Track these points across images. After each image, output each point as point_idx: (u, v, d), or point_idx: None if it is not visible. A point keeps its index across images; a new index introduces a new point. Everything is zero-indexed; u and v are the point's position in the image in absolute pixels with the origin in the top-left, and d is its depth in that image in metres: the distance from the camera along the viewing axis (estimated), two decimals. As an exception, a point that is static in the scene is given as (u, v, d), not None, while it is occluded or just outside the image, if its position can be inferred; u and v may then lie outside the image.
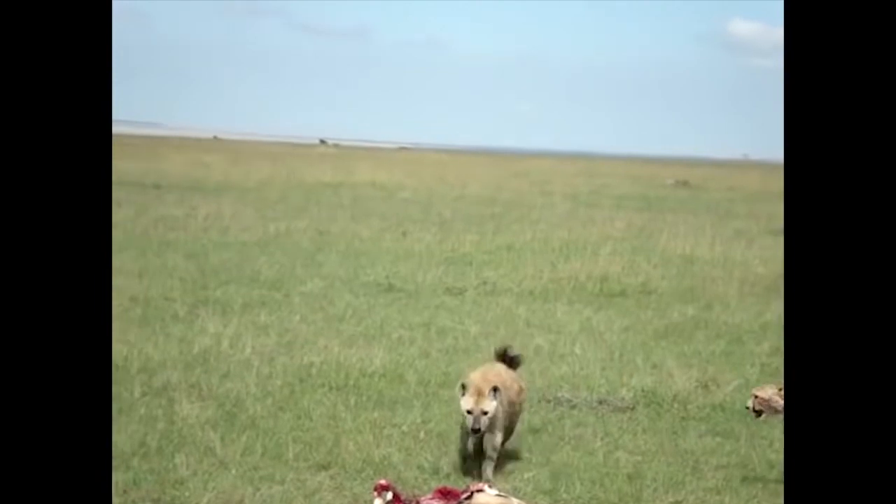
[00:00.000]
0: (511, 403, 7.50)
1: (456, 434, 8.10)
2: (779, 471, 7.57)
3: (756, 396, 7.40)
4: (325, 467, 7.29)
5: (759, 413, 7.39)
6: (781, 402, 7.28)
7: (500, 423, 7.33)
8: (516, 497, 6.61)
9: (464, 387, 7.29)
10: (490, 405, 7.20)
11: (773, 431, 8.61)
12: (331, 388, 9.43)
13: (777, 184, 56.01)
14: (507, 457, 7.66)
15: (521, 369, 8.13)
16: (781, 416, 7.31)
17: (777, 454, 8.01)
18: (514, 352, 8.07)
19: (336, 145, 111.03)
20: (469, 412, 7.21)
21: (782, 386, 7.32)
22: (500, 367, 7.79)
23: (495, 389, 7.25)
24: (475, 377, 7.42)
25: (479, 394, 7.21)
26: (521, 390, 7.76)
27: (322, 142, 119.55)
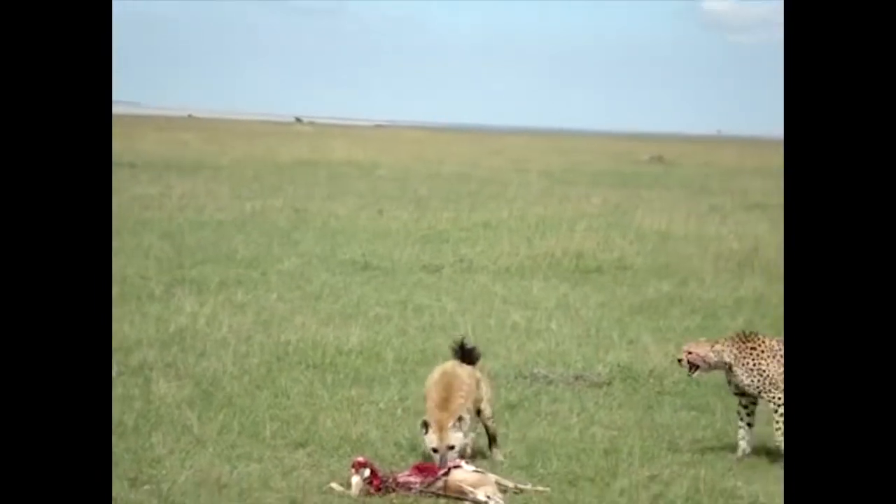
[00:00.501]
0: (475, 401, 7.15)
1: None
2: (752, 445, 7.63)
3: (689, 352, 7.50)
4: (303, 445, 7.31)
5: (693, 368, 7.49)
6: (713, 356, 7.47)
7: (467, 429, 6.93)
8: (493, 473, 6.66)
9: (426, 424, 6.82)
10: (456, 438, 6.77)
11: (748, 405, 8.68)
12: (308, 366, 9.44)
13: (751, 159, 56.27)
14: (482, 434, 7.70)
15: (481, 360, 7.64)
16: (713, 372, 7.49)
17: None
18: (470, 345, 7.56)
19: (312, 123, 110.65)
20: (435, 450, 6.74)
21: (714, 341, 7.60)
22: (458, 369, 7.23)
23: (459, 419, 6.82)
24: (434, 412, 6.86)
25: (442, 429, 6.76)
26: (479, 383, 7.28)
27: (298, 120, 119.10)
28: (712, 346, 7.50)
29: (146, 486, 6.45)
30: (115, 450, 7.00)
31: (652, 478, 6.85)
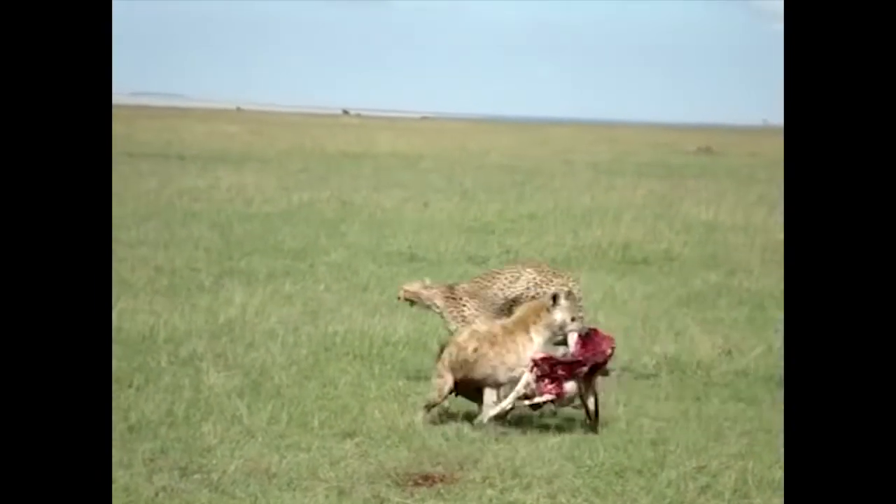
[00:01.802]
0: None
1: (472, 408, 7.99)
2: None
3: (405, 290, 8.93)
4: (351, 435, 7.36)
5: (411, 302, 8.92)
6: (426, 293, 8.87)
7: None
8: None
9: (555, 297, 7.75)
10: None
11: (796, 397, 8.64)
12: (355, 357, 9.50)
13: (801, 149, 55.54)
14: (528, 423, 7.73)
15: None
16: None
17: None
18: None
19: (358, 115, 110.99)
20: (573, 319, 7.70)
21: (428, 282, 9.02)
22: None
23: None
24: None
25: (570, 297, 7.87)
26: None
27: (344, 112, 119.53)
28: (424, 286, 8.94)
29: (196, 476, 6.53)
30: (165, 440, 7.10)
31: (699, 469, 6.82)
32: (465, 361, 7.71)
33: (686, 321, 11.40)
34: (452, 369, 7.73)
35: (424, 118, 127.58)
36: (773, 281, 14.11)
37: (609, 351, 7.66)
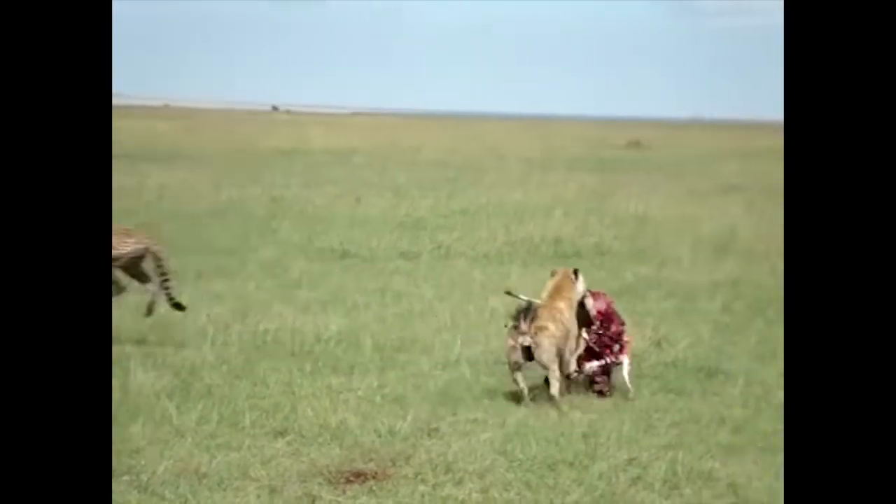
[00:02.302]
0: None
1: (413, 398, 8.17)
2: (730, 427, 7.69)
3: None
4: (282, 433, 7.31)
5: None
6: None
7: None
8: None
9: (577, 271, 8.89)
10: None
11: (725, 388, 8.74)
12: (287, 355, 9.43)
13: (727, 142, 56.38)
14: (465, 420, 7.73)
15: None
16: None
17: (728, 409, 8.13)
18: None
19: (288, 111, 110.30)
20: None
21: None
22: None
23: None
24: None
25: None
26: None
27: (274, 108, 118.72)
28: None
29: (125, 477, 6.44)
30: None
31: (630, 461, 6.88)
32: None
33: (617, 314, 11.46)
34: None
35: (356, 114, 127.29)
36: (702, 273, 14.29)
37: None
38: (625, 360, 8.60)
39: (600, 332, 8.65)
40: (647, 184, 28.43)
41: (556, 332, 8.20)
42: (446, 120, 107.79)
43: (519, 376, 8.15)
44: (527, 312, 8.18)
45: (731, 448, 7.26)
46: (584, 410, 8.06)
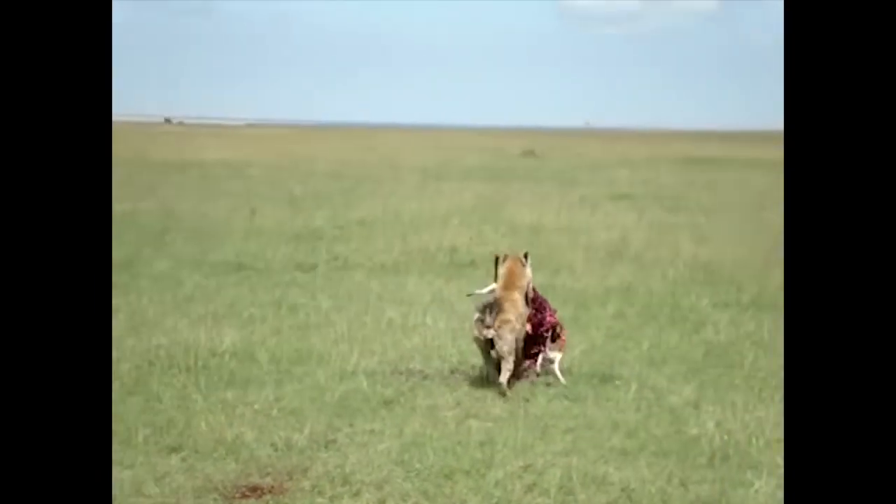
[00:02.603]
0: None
1: (309, 411, 8.16)
2: (624, 431, 7.81)
3: None
4: (176, 449, 7.21)
5: None
6: None
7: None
8: None
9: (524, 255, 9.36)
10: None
11: (618, 393, 8.87)
12: (180, 370, 9.31)
13: (617, 150, 57.26)
14: (362, 431, 7.73)
15: None
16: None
17: (622, 414, 8.25)
18: None
19: (181, 123, 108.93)
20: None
21: None
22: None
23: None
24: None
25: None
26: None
27: (167, 120, 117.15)
28: None
29: (14, 499, 6.29)
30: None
31: (526, 468, 6.94)
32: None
33: (512, 322, 11.57)
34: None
35: (250, 125, 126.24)
36: (595, 279, 14.48)
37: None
38: (558, 356, 9.26)
39: (535, 320, 9.22)
40: (540, 192, 28.77)
41: (517, 325, 8.87)
42: (342, 131, 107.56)
43: (488, 361, 8.96)
44: (492, 307, 8.77)
45: (624, 452, 7.37)
46: (482, 419, 8.12)
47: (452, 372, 9.43)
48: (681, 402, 8.61)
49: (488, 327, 8.71)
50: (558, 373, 9.13)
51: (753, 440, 7.59)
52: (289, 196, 26.31)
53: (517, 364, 8.89)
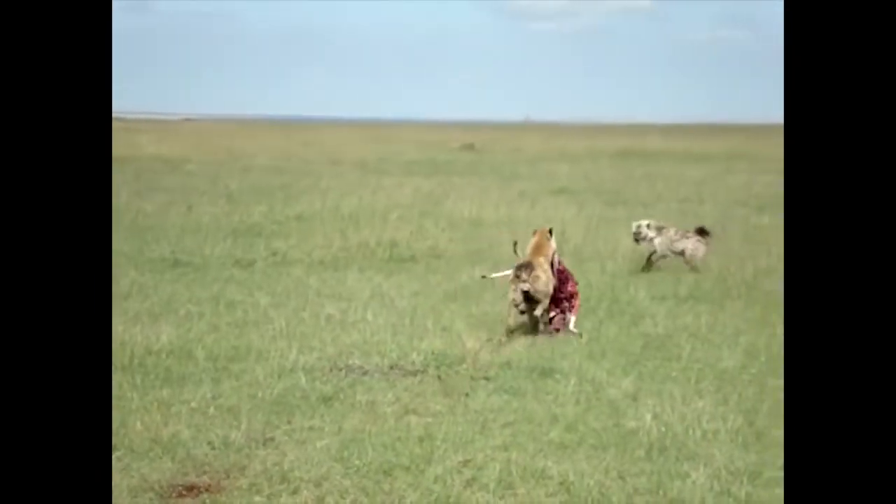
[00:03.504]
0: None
1: (247, 408, 8.10)
2: (563, 425, 7.83)
3: None
4: (112, 449, 7.11)
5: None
6: None
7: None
8: None
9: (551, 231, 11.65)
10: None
11: (558, 387, 8.90)
12: (116, 368, 9.17)
13: (556, 144, 57.53)
14: (301, 428, 7.67)
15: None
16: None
17: (561, 408, 8.28)
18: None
19: (117, 118, 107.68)
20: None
21: None
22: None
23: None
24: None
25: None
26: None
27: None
28: None
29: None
30: None
31: (465, 462, 6.93)
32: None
33: (452, 317, 11.59)
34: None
35: (187, 119, 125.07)
36: (534, 274, 14.48)
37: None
38: (573, 317, 11.10)
39: (558, 286, 11.10)
40: (480, 186, 28.80)
41: (546, 279, 10.84)
42: (280, 125, 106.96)
43: (514, 314, 10.83)
44: (526, 267, 10.76)
45: (563, 446, 7.39)
46: (421, 414, 8.10)
47: (392, 368, 9.40)
48: (619, 394, 8.65)
49: (524, 281, 10.66)
50: (573, 328, 10.99)
51: (690, 432, 7.65)
52: (226, 191, 26.10)
53: (545, 312, 10.87)
